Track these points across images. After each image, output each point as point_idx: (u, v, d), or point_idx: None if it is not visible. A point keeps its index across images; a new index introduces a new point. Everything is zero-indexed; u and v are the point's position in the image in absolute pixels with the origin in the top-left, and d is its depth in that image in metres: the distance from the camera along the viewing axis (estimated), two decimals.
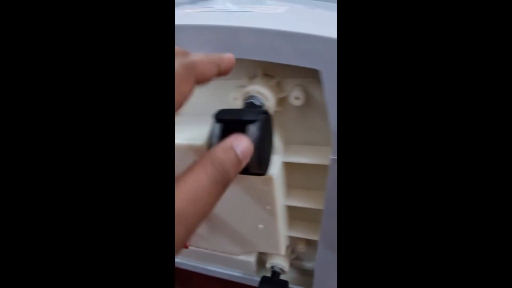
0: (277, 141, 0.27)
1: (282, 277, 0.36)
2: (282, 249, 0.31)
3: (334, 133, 0.23)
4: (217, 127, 0.20)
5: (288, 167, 0.29)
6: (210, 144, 0.20)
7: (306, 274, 0.38)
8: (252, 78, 0.26)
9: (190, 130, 0.26)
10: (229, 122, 0.20)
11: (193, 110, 0.28)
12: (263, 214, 0.28)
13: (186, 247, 0.32)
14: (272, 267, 0.35)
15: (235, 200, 0.28)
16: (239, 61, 0.25)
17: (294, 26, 0.20)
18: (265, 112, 0.21)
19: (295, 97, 0.24)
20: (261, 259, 0.38)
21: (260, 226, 0.29)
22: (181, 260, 0.40)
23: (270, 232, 0.29)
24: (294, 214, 0.33)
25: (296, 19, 0.23)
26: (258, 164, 0.19)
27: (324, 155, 0.25)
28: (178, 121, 0.29)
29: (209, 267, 0.39)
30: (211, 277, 0.43)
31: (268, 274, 0.36)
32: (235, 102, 0.26)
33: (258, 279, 0.37)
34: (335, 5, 0.28)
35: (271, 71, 0.25)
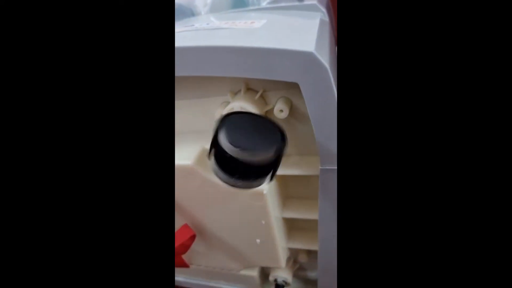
0: None
1: None
2: (282, 262, 0.31)
3: (320, 144, 0.23)
4: (232, 151, 0.17)
5: (281, 178, 0.29)
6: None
7: (311, 284, 0.38)
8: (236, 93, 0.26)
9: (178, 149, 0.26)
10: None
11: (177, 128, 0.27)
12: (259, 229, 0.28)
13: (187, 266, 0.32)
14: (276, 280, 0.35)
15: (229, 217, 0.28)
16: (221, 77, 0.25)
17: (269, 41, 0.20)
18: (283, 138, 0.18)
19: (279, 109, 0.24)
20: (264, 272, 0.37)
21: (258, 240, 0.29)
22: (183, 279, 0.40)
23: (268, 246, 0.29)
24: (292, 224, 0.33)
25: (273, 33, 0.23)
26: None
27: (314, 164, 0.25)
28: None
29: (212, 284, 0.38)
30: None
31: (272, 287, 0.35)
32: None
33: None
34: (318, 13, 0.28)
35: (254, 85, 0.25)
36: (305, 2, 0.31)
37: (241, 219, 0.28)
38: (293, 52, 0.19)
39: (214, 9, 0.34)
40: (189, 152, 0.25)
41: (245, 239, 0.29)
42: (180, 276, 0.40)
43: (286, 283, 0.35)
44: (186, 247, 0.28)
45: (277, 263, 0.31)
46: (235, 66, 0.21)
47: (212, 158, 0.18)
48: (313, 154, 0.27)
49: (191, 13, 0.33)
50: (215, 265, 0.33)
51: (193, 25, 0.28)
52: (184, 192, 0.27)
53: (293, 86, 0.24)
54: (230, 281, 0.38)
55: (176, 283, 0.42)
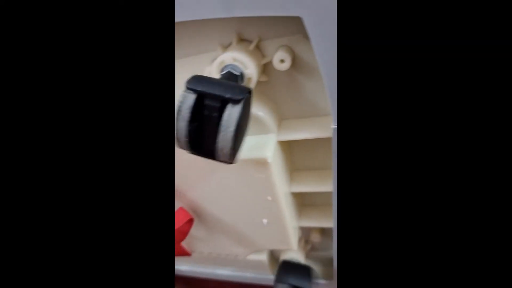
0: (269, 118, 0.22)
1: None
2: (294, 243, 0.27)
3: (333, 98, 0.19)
4: (190, 98, 0.16)
5: (287, 146, 0.25)
6: (178, 116, 0.16)
7: (326, 265, 0.35)
8: (227, 46, 0.22)
9: None
10: (205, 95, 0.16)
11: None
12: (265, 207, 0.24)
13: (188, 254, 0.29)
14: None
15: (230, 195, 0.24)
16: (210, 27, 0.21)
17: None
18: (249, 91, 0.17)
19: (280, 59, 0.20)
20: (274, 255, 0.34)
21: (264, 220, 0.25)
22: (187, 267, 0.37)
23: (276, 226, 0.26)
24: (302, 200, 0.29)
25: None
26: (231, 153, 0.16)
27: (325, 126, 0.21)
28: None
29: (218, 272, 0.35)
30: (224, 281, 0.40)
31: None
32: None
33: (272, 277, 0.33)
34: None
35: (248, 35, 0.21)
36: None
37: (244, 197, 0.24)
38: None
39: None
40: None
41: (250, 219, 0.26)
42: (183, 265, 0.37)
43: None
44: (184, 233, 0.24)
45: (288, 244, 0.27)
46: (225, 5, 0.17)
47: None
48: (322, 114, 0.23)
49: None
50: (220, 252, 0.30)
51: None
52: (178, 169, 0.23)
53: (293, 31, 0.20)
54: (238, 268, 0.34)
55: (179, 273, 0.39)
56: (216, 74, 0.21)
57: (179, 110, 0.16)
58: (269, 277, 0.35)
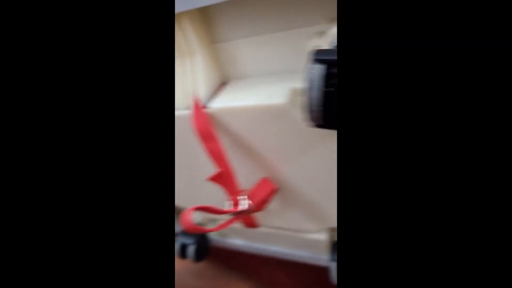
0: None
1: None
2: None
3: None
4: (321, 68, 0.16)
5: None
6: (310, 87, 0.16)
7: None
8: (333, 19, 0.22)
9: (265, 90, 0.23)
10: (333, 65, 0.16)
11: (265, 69, 0.24)
12: None
13: (256, 226, 0.29)
14: None
15: (316, 168, 0.25)
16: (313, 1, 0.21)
17: None
18: None
19: None
20: (333, 239, 0.34)
21: None
22: (242, 242, 0.38)
23: None
24: None
25: None
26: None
27: None
28: (250, 83, 0.25)
29: (274, 249, 0.36)
30: (267, 259, 0.41)
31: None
32: None
33: (326, 257, 0.34)
34: None
35: None
36: None
37: (329, 170, 0.24)
38: None
39: None
40: (278, 92, 0.22)
41: (332, 193, 0.26)
42: (238, 239, 0.38)
43: None
44: (264, 203, 0.25)
45: None
46: None
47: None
48: None
49: None
50: (288, 227, 0.30)
51: None
52: (267, 137, 0.23)
53: None
54: (294, 246, 0.35)
55: (232, 247, 0.40)
56: (327, 47, 0.21)
57: (311, 81, 0.17)
58: (323, 257, 0.36)
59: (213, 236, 0.39)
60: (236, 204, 0.23)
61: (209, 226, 0.40)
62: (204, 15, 0.24)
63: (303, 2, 0.22)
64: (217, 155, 0.23)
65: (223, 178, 0.22)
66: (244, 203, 0.22)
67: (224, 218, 0.26)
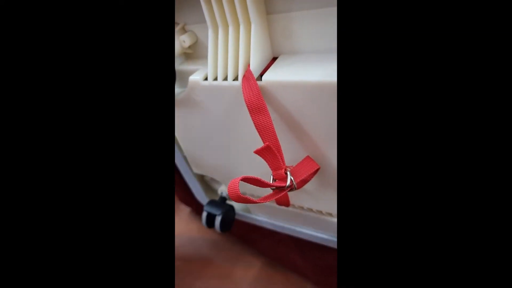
0: None
1: None
2: None
3: None
4: None
5: None
6: None
7: None
8: None
9: (319, 67, 0.22)
10: None
11: (319, 46, 0.23)
12: None
13: (287, 204, 0.29)
14: None
15: None
16: None
17: None
18: None
19: None
20: None
21: None
22: (266, 219, 0.38)
23: None
24: None
25: None
26: None
27: None
28: (303, 58, 0.24)
29: (298, 229, 0.36)
30: (285, 238, 0.41)
31: None
32: None
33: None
34: None
35: None
36: None
37: None
38: None
39: None
40: (329, 70, 0.21)
41: None
42: (261, 216, 0.39)
43: None
44: (305, 182, 0.25)
45: None
46: None
47: None
48: None
49: None
50: (319, 209, 0.30)
51: None
52: (315, 115, 0.23)
53: None
54: (319, 228, 0.35)
55: (255, 222, 0.40)
56: None
57: None
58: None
59: (237, 210, 0.39)
60: (280, 179, 0.23)
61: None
62: None
63: None
64: (265, 129, 0.22)
65: (270, 152, 0.22)
66: (289, 179, 0.22)
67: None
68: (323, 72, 0.21)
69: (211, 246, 0.60)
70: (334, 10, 0.22)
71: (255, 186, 0.22)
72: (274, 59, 0.26)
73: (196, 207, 0.62)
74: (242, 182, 0.20)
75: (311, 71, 0.22)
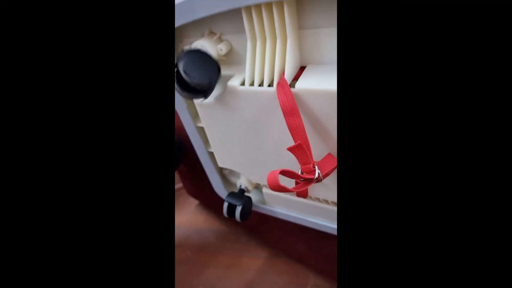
0: None
1: None
2: None
3: None
4: None
5: None
6: None
7: None
8: None
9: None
10: None
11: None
12: None
13: (306, 196, 0.33)
14: None
15: None
16: None
17: None
18: None
19: None
20: None
21: None
22: (280, 210, 0.42)
23: None
24: None
25: None
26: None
27: None
28: (329, 69, 0.28)
29: (310, 219, 0.40)
30: (292, 228, 0.44)
31: None
32: None
33: None
34: None
35: None
36: None
37: None
38: None
39: None
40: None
41: None
42: (276, 207, 0.42)
43: None
44: (327, 175, 0.29)
45: None
46: None
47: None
48: None
49: None
50: (335, 200, 0.34)
51: None
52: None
53: None
54: (331, 218, 0.39)
55: (269, 213, 0.44)
56: None
57: None
58: None
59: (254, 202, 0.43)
60: (308, 172, 0.26)
61: (252, 193, 0.44)
62: (299, 3, 0.27)
63: None
64: (297, 129, 0.26)
65: (301, 149, 0.26)
66: (317, 172, 0.26)
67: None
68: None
69: (218, 237, 0.63)
70: None
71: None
72: (302, 68, 0.30)
73: (203, 200, 0.65)
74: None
75: (335, 81, 0.26)
